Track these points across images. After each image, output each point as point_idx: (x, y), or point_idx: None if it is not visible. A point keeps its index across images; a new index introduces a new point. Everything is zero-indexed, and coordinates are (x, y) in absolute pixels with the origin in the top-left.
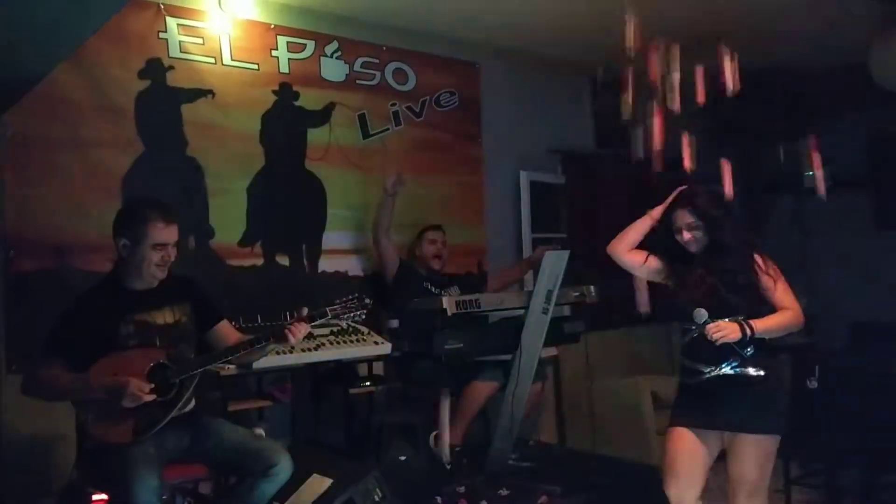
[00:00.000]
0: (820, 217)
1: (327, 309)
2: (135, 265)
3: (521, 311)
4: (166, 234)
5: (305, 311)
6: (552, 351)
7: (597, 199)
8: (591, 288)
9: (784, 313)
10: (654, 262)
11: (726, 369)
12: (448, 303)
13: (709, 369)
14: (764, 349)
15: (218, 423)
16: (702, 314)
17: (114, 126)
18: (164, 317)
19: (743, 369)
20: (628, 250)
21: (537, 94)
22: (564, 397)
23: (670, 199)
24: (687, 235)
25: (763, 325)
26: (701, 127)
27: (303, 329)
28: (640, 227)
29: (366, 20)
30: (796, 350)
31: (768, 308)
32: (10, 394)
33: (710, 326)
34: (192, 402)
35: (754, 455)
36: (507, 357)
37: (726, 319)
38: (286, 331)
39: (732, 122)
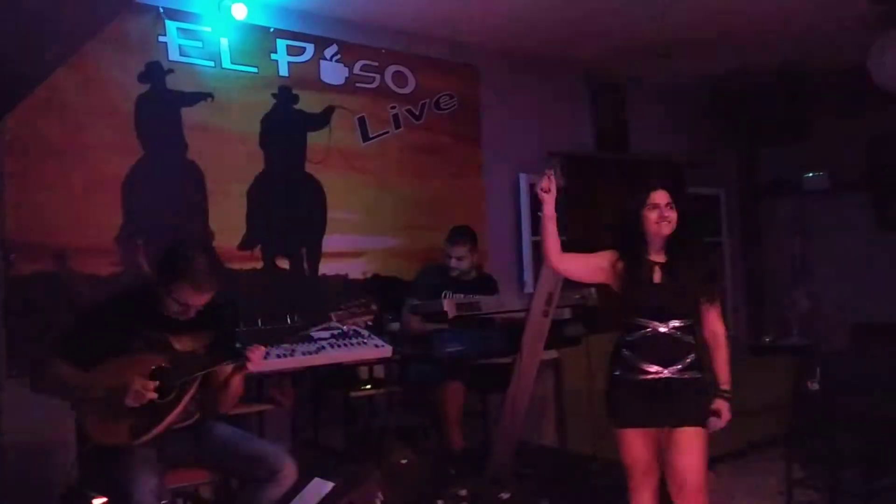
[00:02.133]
0: (820, 219)
1: (332, 314)
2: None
3: (522, 314)
4: (195, 298)
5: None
6: (553, 354)
7: (596, 202)
8: (592, 290)
9: (722, 347)
10: (597, 260)
11: (675, 371)
12: (448, 305)
13: (655, 370)
14: (702, 352)
15: (221, 428)
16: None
17: (113, 129)
18: (183, 343)
19: (687, 372)
20: (560, 257)
21: (536, 96)
22: (565, 400)
23: (546, 187)
24: (667, 213)
25: (727, 377)
26: (701, 128)
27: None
28: (550, 231)
29: (365, 23)
30: (797, 352)
31: (697, 316)
32: (11, 398)
33: (715, 423)
34: (197, 415)
35: (699, 446)
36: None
37: (679, 322)
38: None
39: (732, 124)
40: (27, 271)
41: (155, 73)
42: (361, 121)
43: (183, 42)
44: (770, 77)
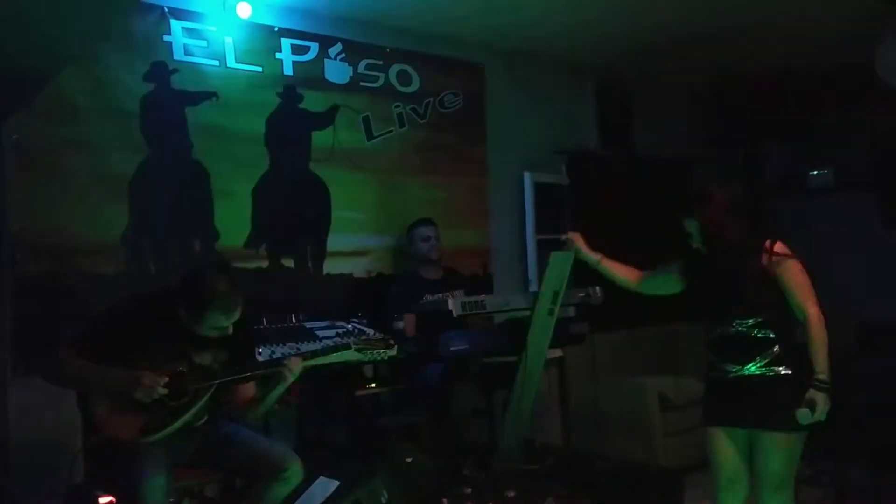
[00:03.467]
0: (825, 217)
1: (351, 342)
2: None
3: (527, 313)
4: (228, 320)
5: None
6: (558, 352)
7: (602, 200)
8: (597, 289)
9: (816, 334)
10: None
11: (753, 368)
12: (454, 304)
13: (736, 368)
14: (790, 347)
15: (227, 427)
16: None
17: (119, 129)
18: (202, 357)
19: (769, 368)
20: (639, 280)
21: (541, 94)
22: (570, 398)
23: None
24: (694, 245)
25: (822, 365)
26: (706, 126)
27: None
28: (610, 270)
29: (369, 22)
30: (803, 350)
31: (772, 309)
32: (18, 397)
33: (805, 415)
34: (206, 417)
35: (780, 451)
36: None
37: (742, 320)
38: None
39: (737, 121)
40: (34, 271)
41: (160, 72)
42: (366, 120)
43: (188, 41)
44: (775, 74)
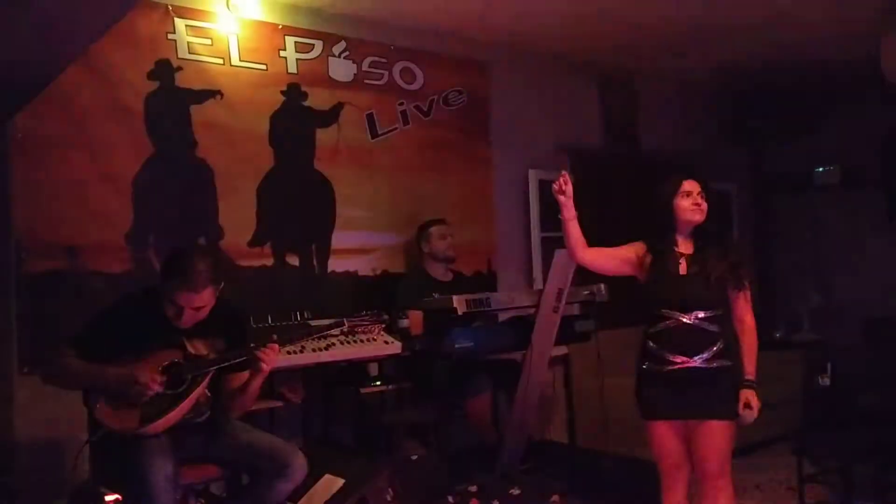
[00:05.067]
0: (832, 214)
1: (345, 319)
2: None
3: (532, 310)
4: (196, 300)
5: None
6: (563, 349)
7: (606, 197)
8: (602, 286)
9: (751, 338)
10: (624, 252)
11: (697, 363)
12: (459, 302)
13: (680, 360)
14: (730, 342)
15: (232, 424)
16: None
17: (123, 127)
18: (196, 347)
19: (714, 361)
20: (585, 251)
21: (545, 91)
22: (575, 396)
23: (559, 188)
24: (699, 201)
25: (753, 367)
26: (711, 123)
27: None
28: (571, 232)
29: (373, 19)
30: (809, 347)
31: (725, 305)
32: (24, 394)
33: (748, 415)
34: (208, 413)
35: (722, 438)
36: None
37: (703, 313)
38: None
39: (743, 118)
40: (38, 269)
41: (164, 70)
42: (370, 117)
43: (192, 39)
44: (781, 71)
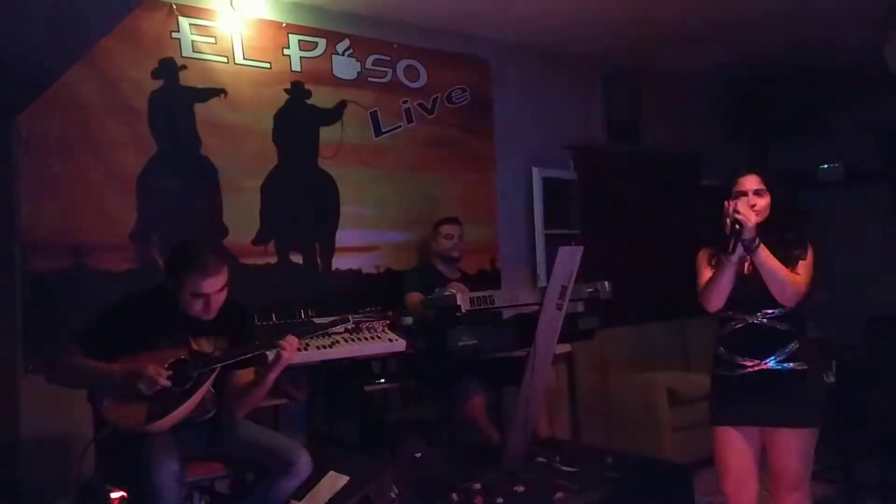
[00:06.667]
0: (836, 211)
1: (350, 316)
2: (182, 300)
3: (535, 308)
4: (206, 285)
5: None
6: (566, 347)
7: (610, 195)
8: (606, 284)
9: (790, 275)
10: (706, 267)
11: (771, 364)
12: (462, 299)
13: (752, 363)
14: (805, 342)
15: (237, 422)
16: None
17: (127, 126)
18: (202, 345)
19: (789, 363)
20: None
21: (549, 89)
22: (579, 393)
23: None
24: (754, 200)
25: (766, 254)
26: (715, 120)
27: (294, 343)
28: (729, 277)
29: (377, 18)
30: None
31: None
32: (29, 393)
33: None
34: (213, 411)
35: (797, 448)
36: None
37: (771, 311)
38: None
39: (747, 115)
40: (43, 268)
41: (168, 69)
42: (374, 115)
43: (196, 38)
44: (785, 68)
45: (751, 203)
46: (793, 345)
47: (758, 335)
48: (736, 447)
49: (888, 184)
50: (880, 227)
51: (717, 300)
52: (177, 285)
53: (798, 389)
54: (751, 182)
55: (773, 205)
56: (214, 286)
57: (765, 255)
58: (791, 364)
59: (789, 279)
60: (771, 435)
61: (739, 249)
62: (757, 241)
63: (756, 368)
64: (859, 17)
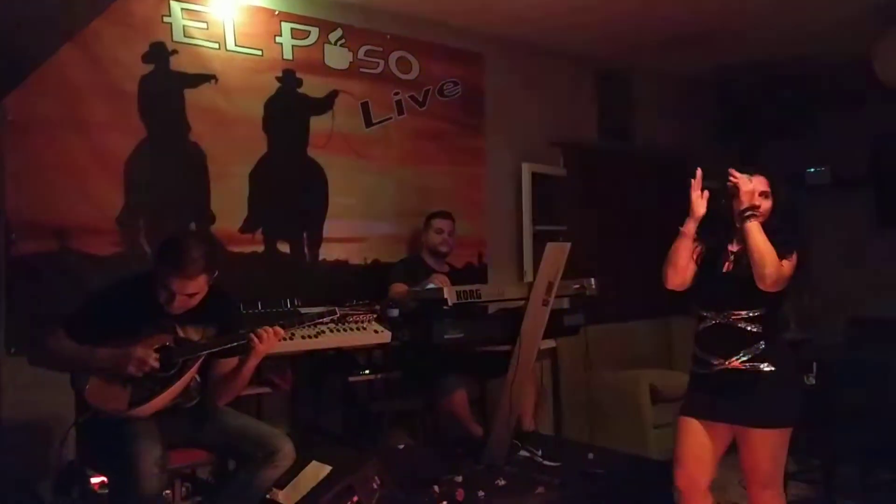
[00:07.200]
0: (821, 214)
1: (336, 308)
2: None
3: (522, 303)
4: (175, 283)
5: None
6: (551, 343)
7: (598, 192)
8: (592, 280)
9: (773, 250)
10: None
11: (737, 363)
12: (448, 292)
13: (719, 361)
14: (776, 344)
15: (220, 410)
16: None
17: (116, 109)
18: (188, 333)
19: (754, 364)
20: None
21: (541, 85)
22: (562, 389)
23: (696, 201)
24: (758, 201)
25: (757, 227)
26: (705, 121)
27: (272, 336)
28: (684, 251)
29: (370, 8)
30: (794, 346)
31: (768, 305)
32: (10, 376)
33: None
34: (197, 398)
35: (765, 448)
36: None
37: (743, 312)
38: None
39: (736, 117)
40: (28, 251)
41: (159, 53)
42: (365, 106)
43: (187, 23)
44: (774, 71)
45: (755, 204)
46: (760, 345)
47: (726, 335)
48: (697, 440)
49: (873, 188)
50: (865, 231)
51: (672, 275)
52: (160, 283)
53: (767, 390)
54: (761, 183)
55: (774, 209)
56: (184, 288)
57: (756, 228)
58: (757, 364)
59: (771, 257)
60: (740, 433)
61: (690, 223)
62: (752, 211)
63: (720, 367)
64: (847, 21)
